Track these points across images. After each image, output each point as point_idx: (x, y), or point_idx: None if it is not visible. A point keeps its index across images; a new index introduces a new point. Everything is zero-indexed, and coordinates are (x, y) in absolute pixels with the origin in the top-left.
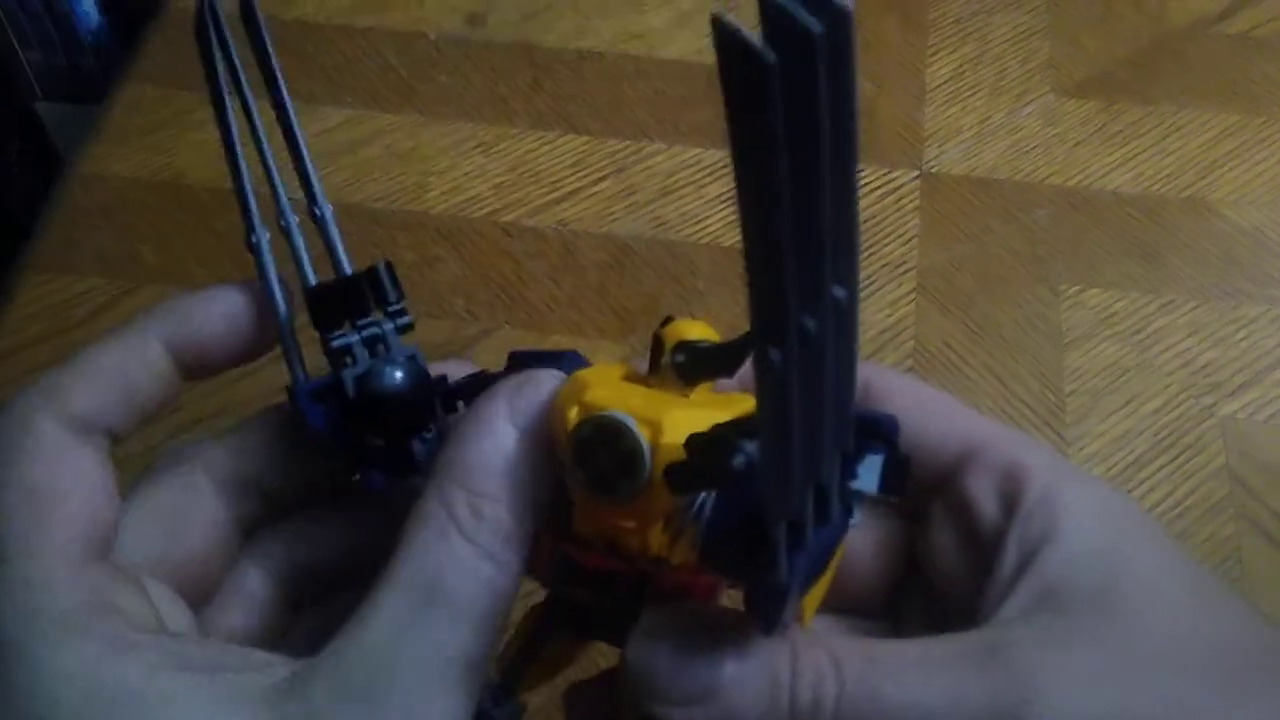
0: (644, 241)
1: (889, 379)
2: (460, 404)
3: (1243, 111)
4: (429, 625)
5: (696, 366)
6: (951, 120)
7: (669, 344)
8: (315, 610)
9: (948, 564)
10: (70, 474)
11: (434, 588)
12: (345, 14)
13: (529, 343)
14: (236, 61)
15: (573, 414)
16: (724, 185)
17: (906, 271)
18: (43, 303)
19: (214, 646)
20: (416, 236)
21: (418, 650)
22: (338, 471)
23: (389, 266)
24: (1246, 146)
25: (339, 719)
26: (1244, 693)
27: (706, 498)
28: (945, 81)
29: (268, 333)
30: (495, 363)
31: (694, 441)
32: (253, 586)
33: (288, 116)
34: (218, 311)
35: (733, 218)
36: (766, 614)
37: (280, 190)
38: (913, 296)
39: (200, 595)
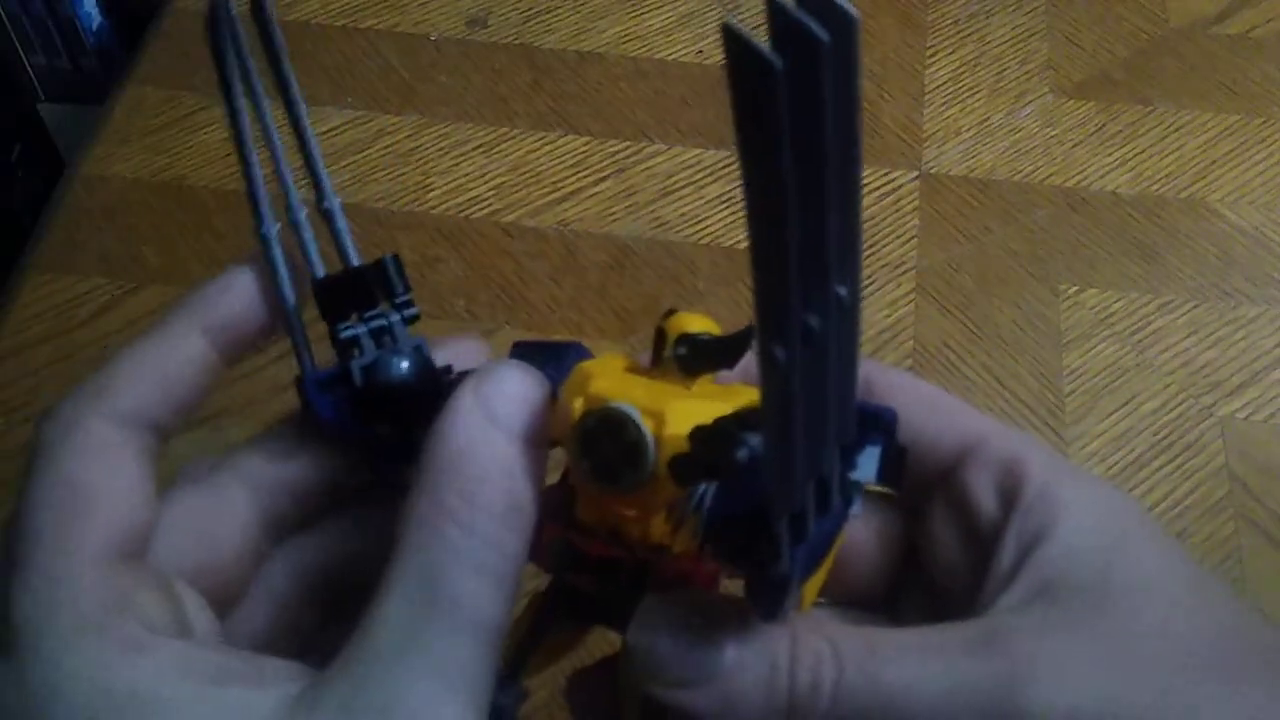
0: (644, 242)
1: (889, 375)
2: None
3: (1241, 112)
4: (434, 631)
5: (698, 358)
6: (951, 121)
7: (671, 336)
8: (344, 616)
9: (947, 558)
10: (110, 473)
11: (436, 590)
12: (347, 15)
13: None
14: (248, 59)
15: (577, 405)
16: (724, 185)
17: (906, 272)
18: (45, 303)
19: (233, 655)
20: (418, 237)
21: (426, 659)
22: (357, 466)
23: (396, 259)
24: (1245, 147)
25: None
26: (1238, 684)
27: (707, 488)
28: (945, 82)
29: (277, 308)
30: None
31: (698, 434)
32: (279, 589)
33: (298, 112)
34: (241, 290)
35: (732, 218)
36: (768, 602)
37: (289, 184)
38: (912, 297)
39: (229, 599)
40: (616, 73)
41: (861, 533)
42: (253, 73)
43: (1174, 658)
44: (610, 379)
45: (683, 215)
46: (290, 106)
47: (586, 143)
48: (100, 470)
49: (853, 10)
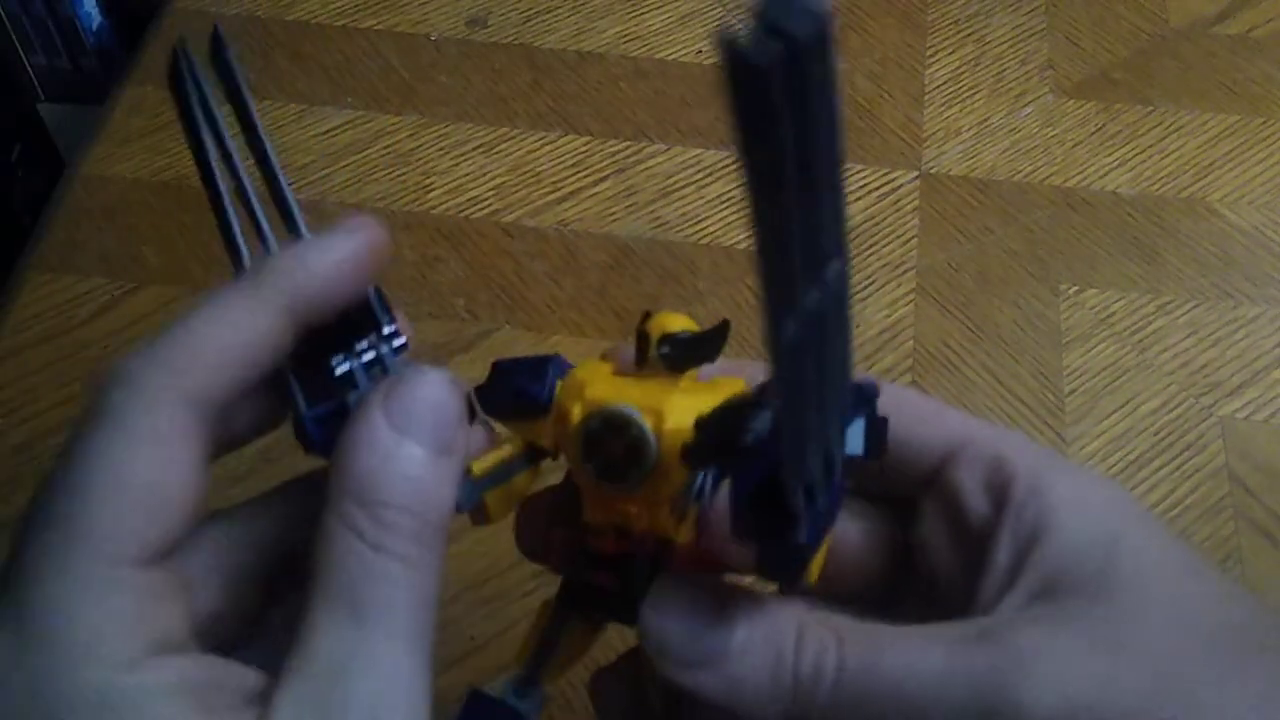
0: (644, 242)
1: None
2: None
3: (1241, 112)
4: (367, 643)
5: (682, 355)
6: (951, 121)
7: (654, 337)
8: (283, 603)
9: (940, 559)
10: (171, 468)
11: (358, 604)
12: (347, 15)
13: (529, 342)
14: (214, 109)
15: (576, 411)
16: (724, 185)
17: (906, 272)
18: (45, 303)
19: (228, 672)
20: (418, 237)
21: (365, 670)
22: None
23: (378, 292)
24: (1245, 147)
25: None
26: (1237, 670)
27: (705, 479)
28: (944, 82)
29: (377, 271)
30: None
31: (705, 421)
32: (237, 565)
33: (266, 153)
34: (335, 260)
35: (733, 218)
36: (788, 572)
37: (265, 225)
38: (912, 297)
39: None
40: (616, 73)
41: (855, 533)
42: (220, 120)
43: (1173, 643)
44: (603, 383)
45: (683, 215)
46: (257, 147)
47: (586, 143)
48: (161, 462)
49: (822, 4)
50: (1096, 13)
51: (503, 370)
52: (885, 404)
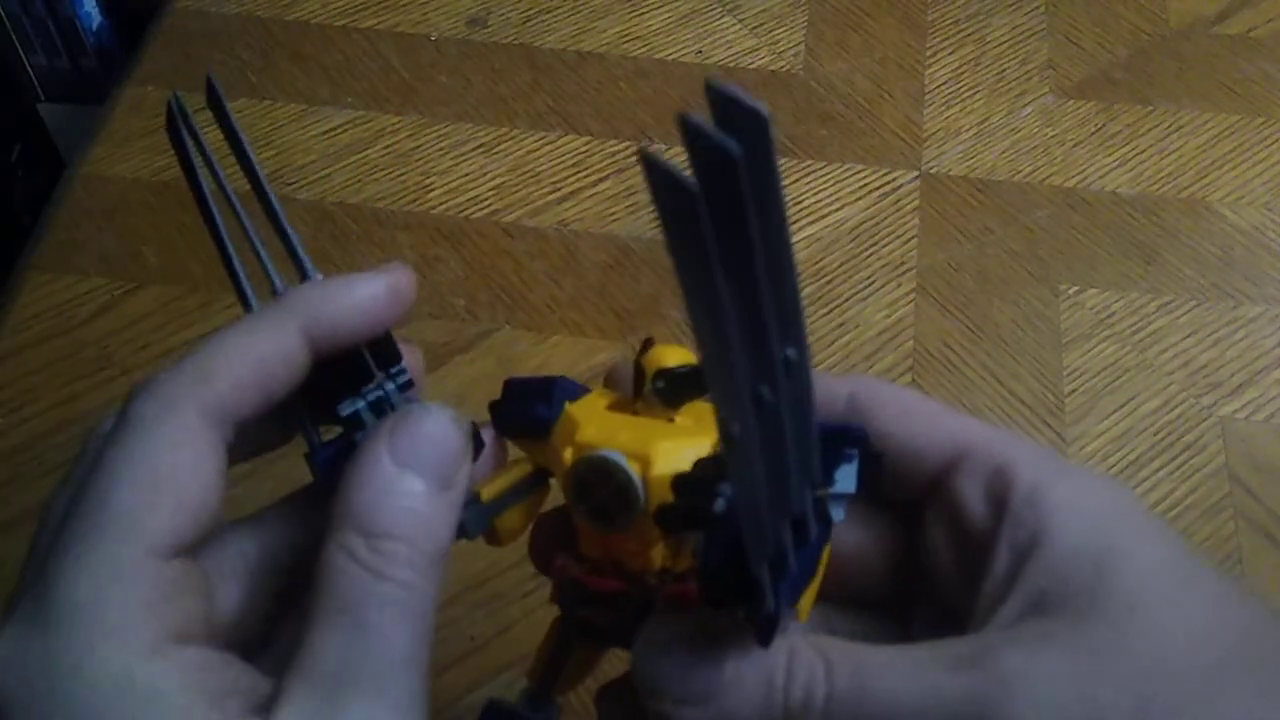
0: (644, 242)
1: (874, 389)
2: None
3: (1241, 112)
4: (366, 665)
5: (677, 391)
6: (951, 121)
7: (650, 371)
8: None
9: (943, 566)
10: (193, 468)
11: (358, 628)
12: (347, 15)
13: (529, 342)
14: (211, 155)
15: (567, 454)
16: None
17: (906, 272)
18: (45, 302)
19: (241, 673)
20: (418, 236)
21: (361, 692)
22: None
23: (387, 334)
24: (1245, 147)
25: None
26: (1226, 688)
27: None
28: (945, 82)
29: (400, 315)
30: (495, 363)
31: (679, 484)
32: (254, 569)
33: (267, 196)
34: (359, 298)
35: None
36: (761, 635)
37: (270, 267)
38: (912, 297)
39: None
40: (616, 73)
41: (860, 538)
42: (217, 166)
43: (1161, 663)
44: (596, 424)
45: None
46: (259, 191)
47: (586, 143)
48: (184, 463)
49: (762, 108)
50: (1096, 13)
51: (513, 389)
52: (890, 407)
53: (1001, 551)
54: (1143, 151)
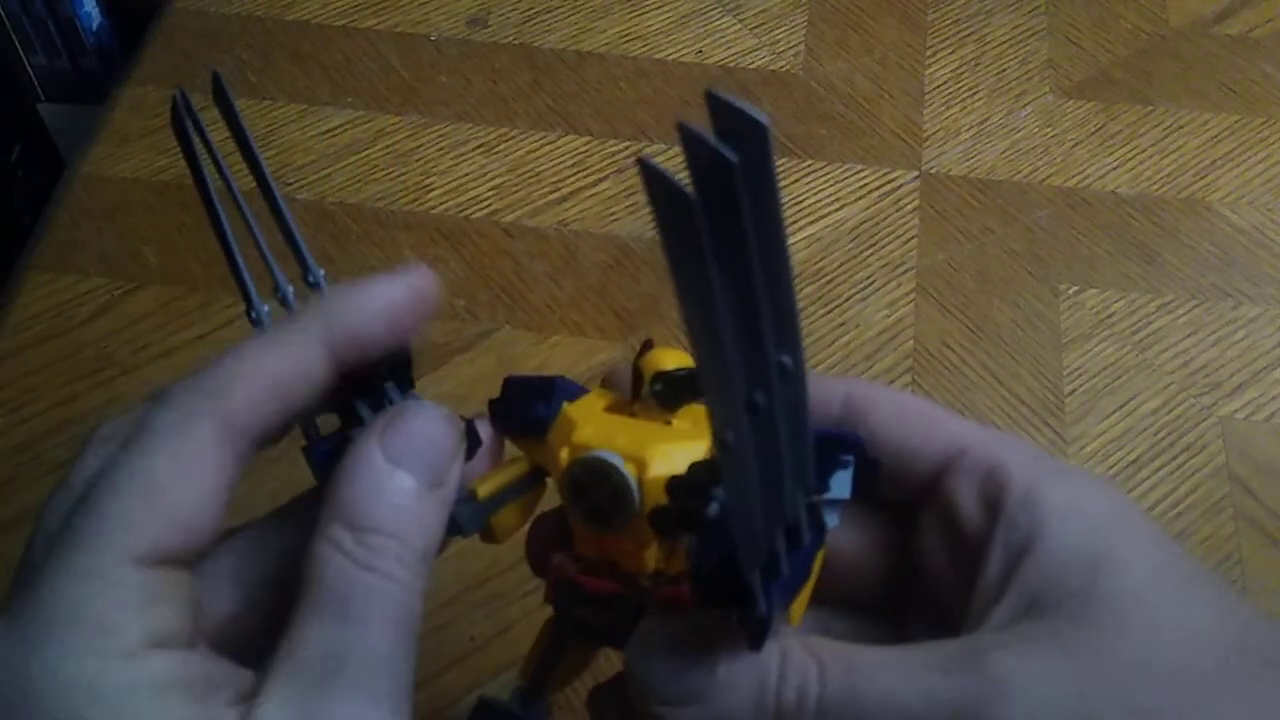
0: (644, 242)
1: (869, 391)
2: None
3: (1241, 112)
4: (351, 657)
5: (674, 393)
6: (951, 121)
7: (647, 374)
8: None
9: (938, 568)
10: (189, 481)
11: (345, 621)
12: (347, 15)
13: (529, 342)
14: (217, 152)
15: (563, 455)
16: None
17: (906, 272)
18: (45, 303)
19: (214, 674)
20: (418, 236)
21: (347, 683)
22: None
23: (408, 357)
24: (1245, 147)
25: None
26: (1216, 694)
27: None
28: (945, 82)
29: (423, 319)
30: (495, 363)
31: (674, 487)
32: (254, 574)
33: (273, 194)
34: (380, 304)
35: None
36: (753, 639)
37: (274, 264)
38: (912, 297)
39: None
40: (616, 73)
41: (855, 540)
42: (223, 163)
43: (1155, 666)
44: (593, 425)
45: None
46: (265, 188)
47: (586, 143)
48: (184, 476)
49: (762, 118)
50: (1096, 13)
51: (512, 387)
52: (885, 409)
53: (995, 553)
54: (1143, 151)
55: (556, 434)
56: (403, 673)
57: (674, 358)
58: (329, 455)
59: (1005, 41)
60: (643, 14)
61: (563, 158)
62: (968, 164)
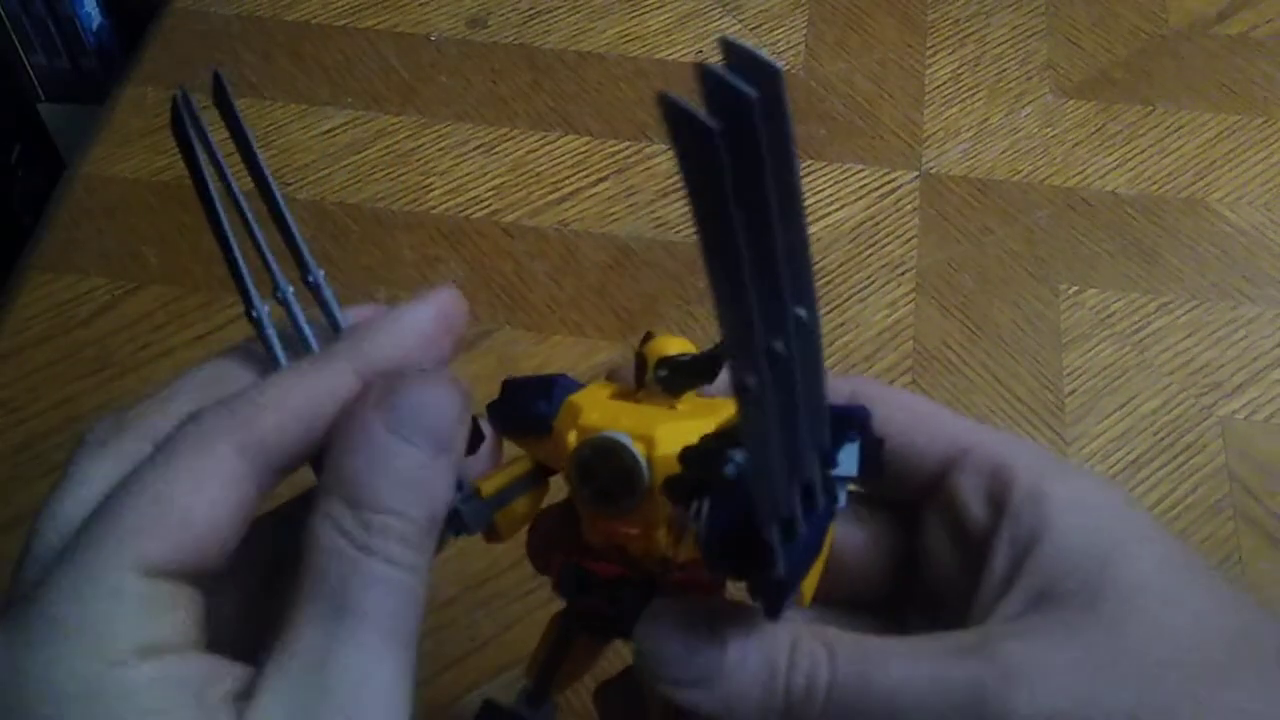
0: (644, 242)
1: (874, 390)
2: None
3: (1241, 112)
4: (347, 646)
5: (679, 379)
6: (951, 121)
7: (651, 361)
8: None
9: (942, 566)
10: (206, 499)
11: (342, 606)
12: (347, 15)
13: (529, 342)
14: (217, 152)
15: (571, 438)
16: None
17: (906, 272)
18: (45, 302)
19: (222, 667)
20: (417, 237)
21: (341, 673)
22: None
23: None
24: (1245, 147)
25: None
26: (1223, 686)
27: (703, 502)
28: (945, 82)
29: (454, 343)
30: (495, 363)
31: (687, 454)
32: (253, 569)
33: (272, 193)
34: (411, 332)
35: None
36: (771, 602)
37: (274, 264)
38: (912, 297)
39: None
40: (616, 73)
41: (857, 538)
42: (224, 164)
43: (1160, 660)
44: (599, 409)
45: (683, 215)
46: (264, 189)
47: (586, 143)
48: (202, 494)
49: (774, 62)
50: (1096, 13)
51: (512, 388)
52: (889, 408)
53: (1001, 548)
54: (1142, 151)
55: (563, 420)
56: (405, 661)
57: (677, 344)
58: None
59: (1005, 41)
60: (643, 14)
61: (563, 158)
62: (968, 164)
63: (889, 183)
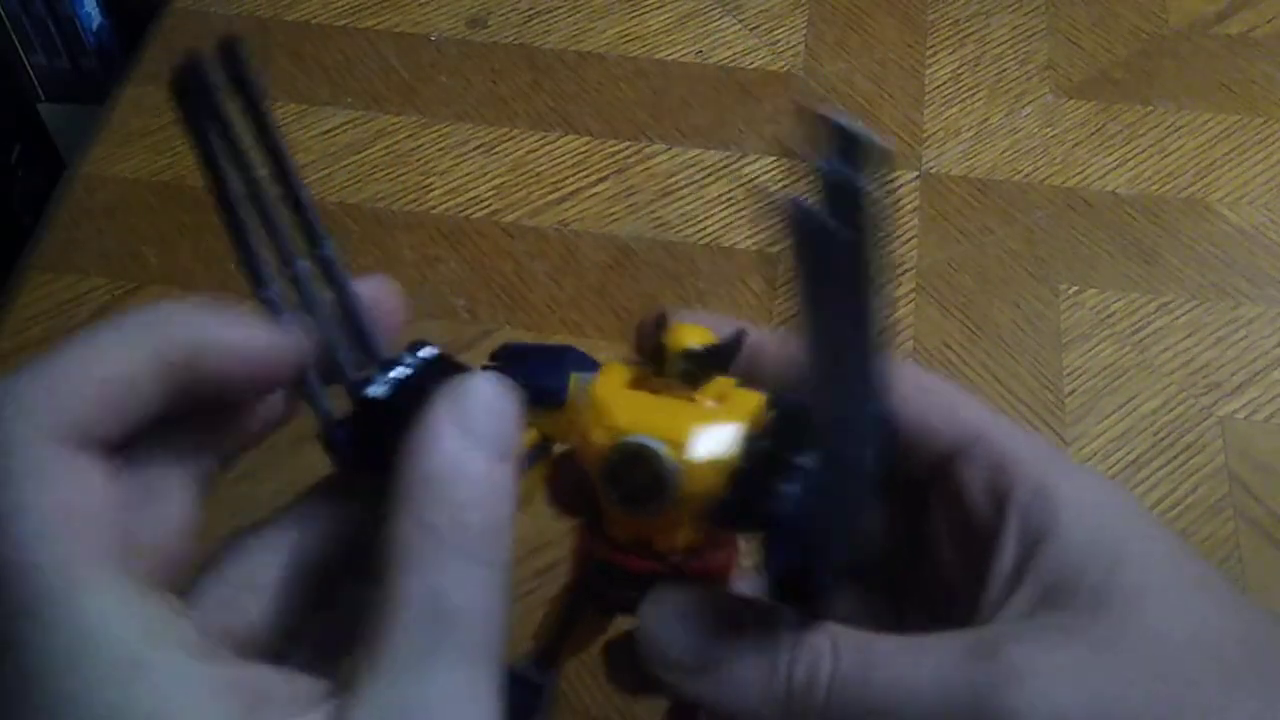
0: (644, 242)
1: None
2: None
3: (1241, 112)
4: (448, 647)
5: (701, 369)
6: (951, 121)
7: (673, 352)
8: (329, 604)
9: (943, 551)
10: (75, 490)
11: (440, 609)
12: (347, 15)
13: (528, 343)
14: (236, 131)
15: (600, 439)
16: (724, 185)
17: (906, 272)
18: (45, 302)
19: (261, 673)
20: (417, 237)
21: (446, 674)
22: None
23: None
24: (1244, 147)
25: None
26: (1232, 689)
27: (759, 532)
28: (945, 82)
29: (280, 374)
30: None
31: (737, 482)
32: (267, 579)
33: (293, 185)
34: (236, 341)
35: (732, 218)
36: (815, 615)
37: (287, 242)
38: (912, 296)
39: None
40: (616, 73)
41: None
42: (243, 145)
43: (1168, 663)
44: (625, 406)
45: (683, 215)
46: (281, 174)
47: (586, 143)
48: (63, 492)
49: (880, 140)
50: (1096, 13)
51: (516, 356)
52: (905, 385)
53: (1008, 544)
54: (1142, 151)
55: (589, 420)
56: (495, 673)
57: (697, 334)
58: (351, 441)
59: (1005, 41)
60: (643, 14)
61: (563, 158)
62: (968, 164)
63: (889, 183)
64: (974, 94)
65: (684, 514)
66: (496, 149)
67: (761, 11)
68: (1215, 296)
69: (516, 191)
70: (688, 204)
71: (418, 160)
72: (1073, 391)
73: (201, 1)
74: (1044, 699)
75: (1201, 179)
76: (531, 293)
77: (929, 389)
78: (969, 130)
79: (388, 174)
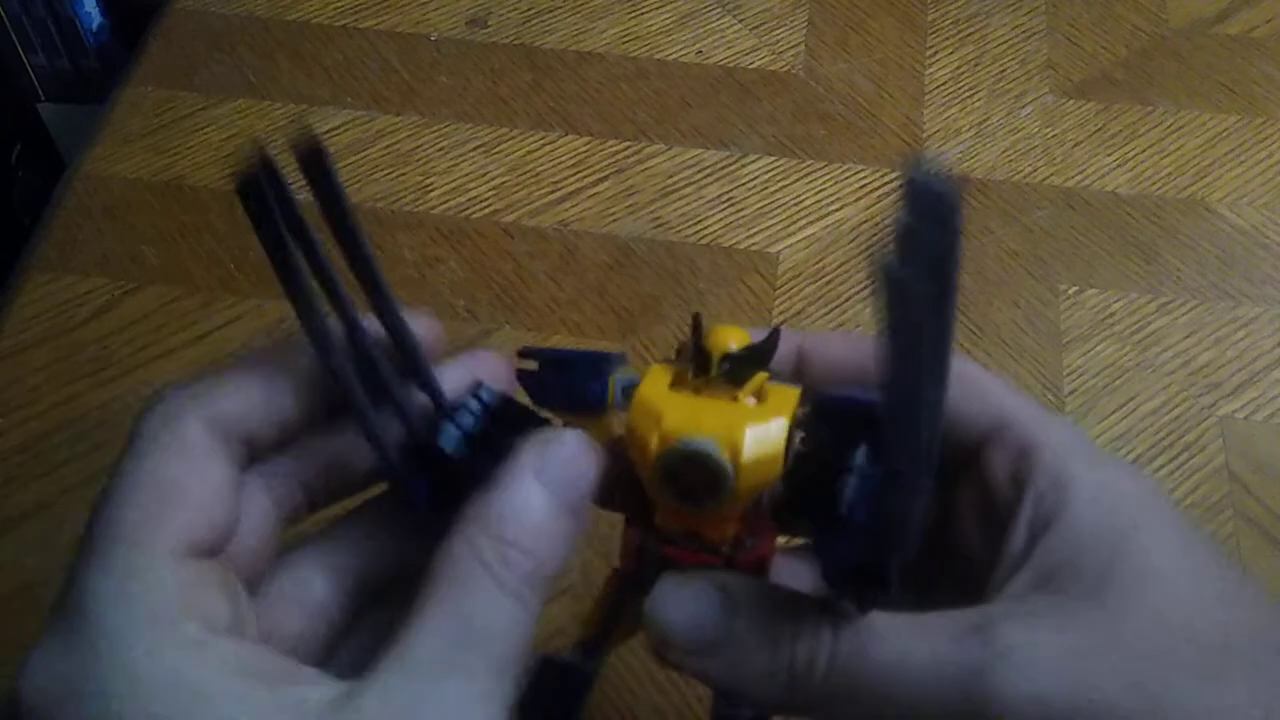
0: (644, 242)
1: None
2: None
3: (1241, 112)
4: (470, 658)
5: (743, 370)
6: (951, 121)
7: (715, 356)
8: (357, 627)
9: (967, 535)
10: (195, 474)
11: (471, 625)
12: (347, 15)
13: (528, 342)
14: (313, 234)
15: (654, 442)
16: (724, 185)
17: None
18: (45, 302)
19: (279, 658)
20: (417, 237)
21: (462, 681)
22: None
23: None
24: (1245, 147)
25: None
26: (1218, 680)
27: (813, 524)
28: (945, 82)
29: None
30: None
31: (796, 483)
32: (313, 592)
33: (389, 304)
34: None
35: (732, 218)
36: (868, 609)
37: (394, 387)
38: None
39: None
40: (616, 73)
41: None
42: (322, 253)
43: (1157, 651)
44: (675, 410)
45: (683, 215)
46: (371, 290)
47: (586, 143)
48: (186, 470)
49: (953, 187)
50: (1096, 13)
51: (556, 363)
52: None
53: (1020, 527)
54: (1142, 151)
55: (642, 424)
56: (512, 687)
57: (736, 336)
58: (430, 497)
59: (1005, 41)
60: (643, 14)
61: (563, 158)
62: (968, 164)
63: (889, 183)
64: (974, 94)
65: (736, 508)
66: (496, 149)
67: (761, 11)
68: (1215, 296)
69: (516, 191)
70: (688, 204)
71: (418, 160)
72: (1073, 391)
73: (201, 1)
74: (1027, 680)
75: (1201, 179)
76: (531, 293)
77: (959, 376)
78: (969, 130)
79: (388, 174)
